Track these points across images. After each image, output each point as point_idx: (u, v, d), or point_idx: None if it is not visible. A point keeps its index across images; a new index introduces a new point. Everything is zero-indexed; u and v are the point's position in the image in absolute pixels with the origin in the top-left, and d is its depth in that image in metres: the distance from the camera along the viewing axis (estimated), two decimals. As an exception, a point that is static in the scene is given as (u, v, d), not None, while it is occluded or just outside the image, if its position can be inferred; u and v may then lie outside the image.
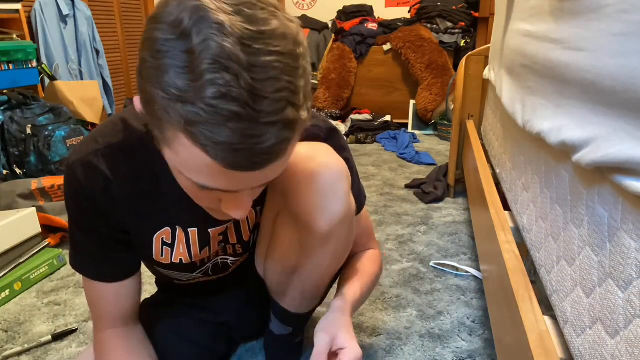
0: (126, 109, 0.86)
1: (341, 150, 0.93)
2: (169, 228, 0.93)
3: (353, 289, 1.01)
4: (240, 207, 0.67)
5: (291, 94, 0.54)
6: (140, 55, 0.56)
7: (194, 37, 0.51)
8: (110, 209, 0.85)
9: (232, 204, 0.67)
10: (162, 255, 0.96)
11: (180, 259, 0.98)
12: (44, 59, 3.37)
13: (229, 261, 1.07)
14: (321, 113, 4.39)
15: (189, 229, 0.94)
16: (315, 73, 4.58)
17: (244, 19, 0.52)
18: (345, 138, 1.00)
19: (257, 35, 0.52)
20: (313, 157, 0.83)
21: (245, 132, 0.52)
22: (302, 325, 1.23)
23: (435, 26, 4.36)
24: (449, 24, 4.34)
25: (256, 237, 1.07)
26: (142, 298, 1.27)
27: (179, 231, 0.94)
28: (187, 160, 0.57)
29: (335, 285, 1.17)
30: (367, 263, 1.10)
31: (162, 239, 0.94)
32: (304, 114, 0.58)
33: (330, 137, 0.93)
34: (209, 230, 0.96)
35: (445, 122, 4.00)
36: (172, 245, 0.95)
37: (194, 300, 1.18)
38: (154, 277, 1.25)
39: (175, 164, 0.61)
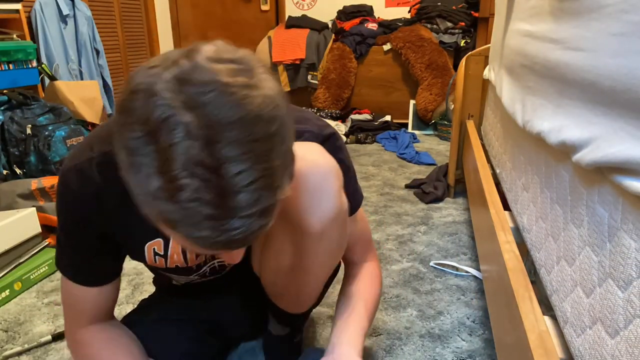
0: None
1: (336, 151, 0.93)
2: (160, 239, 0.93)
3: (355, 334, 0.99)
4: (235, 257, 0.69)
5: (266, 179, 0.54)
6: (113, 138, 0.56)
7: (161, 139, 0.51)
8: (101, 217, 0.85)
9: (227, 256, 0.69)
10: (155, 262, 0.96)
11: (176, 265, 0.98)
12: (44, 59, 3.37)
13: (225, 262, 1.07)
14: (321, 113, 4.40)
15: None
16: (315, 73, 4.58)
17: (208, 112, 0.51)
18: (343, 140, 0.99)
19: (223, 130, 0.51)
20: (303, 157, 0.83)
21: (222, 227, 0.54)
22: (300, 325, 1.22)
23: (435, 26, 4.36)
24: (449, 24, 4.34)
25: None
26: (142, 298, 1.27)
27: (172, 242, 0.94)
28: (174, 238, 0.60)
29: (335, 287, 1.17)
30: (367, 289, 1.07)
31: (154, 249, 0.94)
32: (282, 193, 0.58)
33: (324, 143, 0.93)
34: None
35: (445, 122, 4.00)
36: (164, 256, 0.95)
37: (190, 299, 1.18)
38: (152, 277, 1.25)
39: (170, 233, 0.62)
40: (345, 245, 0.99)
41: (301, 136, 0.89)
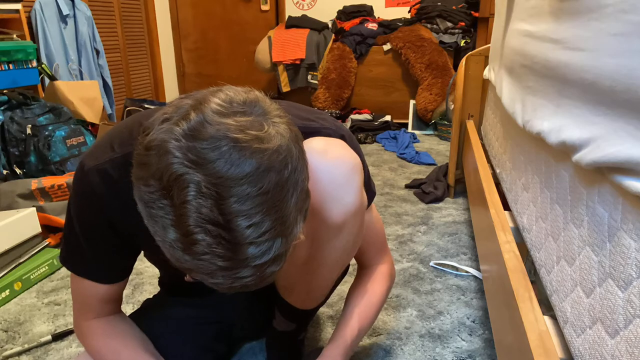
0: (141, 113, 0.87)
1: (354, 145, 0.95)
2: None
3: (351, 329, 1.04)
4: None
5: (278, 229, 0.56)
6: (133, 181, 0.59)
7: (174, 195, 0.53)
8: (122, 218, 0.85)
9: None
10: None
11: None
12: (44, 59, 3.37)
13: None
14: (321, 113, 4.39)
15: None
16: (315, 73, 4.58)
17: (219, 169, 0.52)
18: (357, 140, 1.01)
19: (233, 186, 0.52)
20: (327, 151, 0.84)
21: (234, 276, 0.56)
22: (307, 322, 1.23)
23: (435, 26, 4.36)
24: (449, 24, 4.34)
25: None
26: (142, 298, 1.27)
27: None
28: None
29: (338, 289, 1.17)
30: (376, 288, 1.10)
31: None
32: (295, 237, 0.59)
33: (342, 134, 0.95)
34: None
35: (445, 122, 4.00)
36: None
37: (197, 299, 1.18)
38: (152, 276, 1.25)
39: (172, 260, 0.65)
40: (359, 243, 1.00)
41: (319, 132, 0.91)
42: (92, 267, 0.92)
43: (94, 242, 0.89)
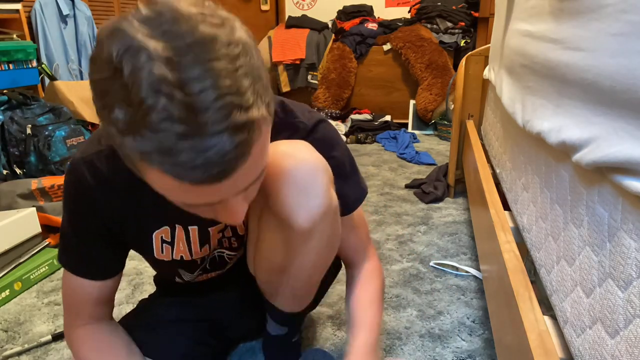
0: None
1: (328, 143, 0.92)
2: (168, 227, 0.93)
3: (365, 331, 1.00)
4: (234, 214, 0.67)
5: (235, 97, 0.53)
6: (92, 98, 0.57)
7: (124, 70, 0.51)
8: (109, 208, 0.86)
9: (225, 212, 0.67)
10: (162, 253, 0.96)
11: (181, 256, 0.98)
12: (44, 59, 3.37)
13: (225, 255, 1.07)
14: (321, 113, 4.39)
15: (189, 227, 0.94)
16: (315, 73, 4.58)
17: (168, 38, 0.52)
18: (338, 131, 0.98)
19: (183, 50, 0.52)
20: (290, 154, 0.83)
21: (196, 147, 0.53)
22: (298, 325, 1.22)
23: (435, 26, 4.36)
24: (449, 24, 4.34)
25: None
26: (142, 298, 1.27)
27: (178, 229, 0.94)
28: (160, 186, 0.59)
29: (335, 287, 1.16)
30: (369, 292, 1.07)
31: (162, 237, 0.94)
32: (256, 113, 0.57)
33: (314, 130, 0.92)
34: (209, 229, 0.96)
35: (445, 122, 4.00)
36: (171, 243, 0.95)
37: (190, 298, 1.19)
38: (152, 276, 1.25)
39: (155, 189, 0.62)
40: (338, 243, 0.98)
41: (292, 128, 0.90)
42: (83, 263, 0.92)
43: (84, 235, 0.89)
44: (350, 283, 1.11)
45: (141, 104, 0.51)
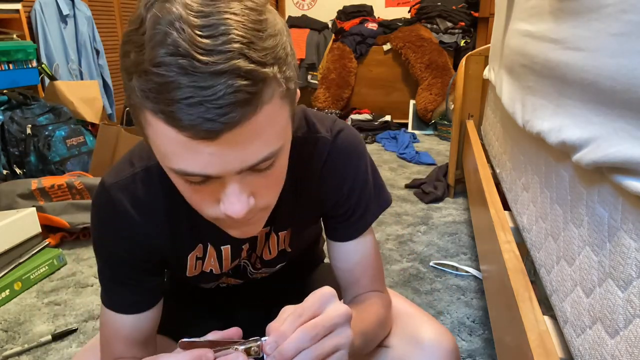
0: None
1: (351, 152, 0.86)
2: (201, 245, 0.90)
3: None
4: (235, 202, 0.64)
5: (245, 47, 0.52)
6: (120, 63, 0.57)
7: (146, 20, 0.52)
8: (147, 232, 0.81)
9: (227, 199, 0.64)
10: (194, 269, 0.94)
11: (211, 269, 0.95)
12: (44, 59, 3.37)
13: (248, 269, 1.03)
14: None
15: (221, 247, 0.91)
16: (315, 73, 4.58)
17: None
18: (359, 137, 0.93)
19: (209, 3, 0.52)
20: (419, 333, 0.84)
21: (195, 83, 0.51)
22: None
23: (435, 26, 4.36)
24: (449, 24, 4.34)
25: (278, 263, 1.03)
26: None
27: (210, 248, 0.91)
28: (159, 143, 0.57)
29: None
30: (370, 309, 0.92)
31: (196, 256, 0.91)
32: (268, 70, 0.55)
33: (334, 141, 0.87)
34: (242, 246, 0.93)
35: (445, 122, 4.00)
36: (202, 259, 0.93)
37: (210, 307, 1.15)
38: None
39: (160, 160, 0.60)
40: None
41: (313, 142, 0.85)
42: (117, 294, 0.85)
43: (118, 263, 0.83)
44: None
45: (152, 38, 0.51)
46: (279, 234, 0.93)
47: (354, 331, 0.68)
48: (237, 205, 0.62)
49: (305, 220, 0.93)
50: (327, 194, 0.86)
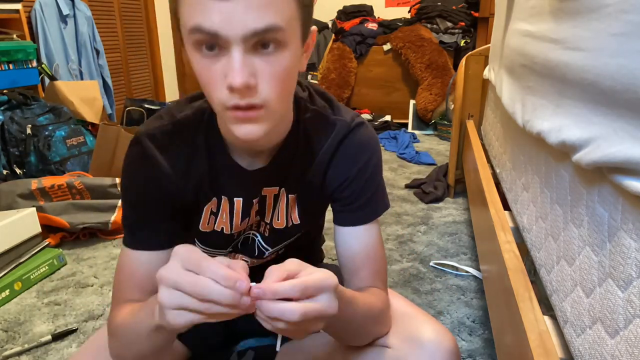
0: (190, 95, 0.92)
1: (365, 147, 0.91)
2: (215, 198, 0.94)
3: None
4: (237, 70, 0.67)
5: None
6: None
7: None
8: (171, 178, 0.87)
9: (230, 69, 0.67)
10: (207, 224, 0.96)
11: (222, 228, 0.97)
12: (44, 59, 3.37)
13: (257, 240, 1.05)
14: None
15: (235, 199, 0.94)
16: (315, 73, 4.58)
17: None
18: (377, 138, 0.97)
19: None
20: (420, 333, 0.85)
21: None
22: None
23: (435, 26, 4.36)
24: (449, 24, 4.34)
25: (286, 239, 1.05)
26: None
27: (224, 201, 0.94)
28: (183, 7, 0.65)
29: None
30: (366, 297, 0.92)
31: (211, 209, 0.94)
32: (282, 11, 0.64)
33: (353, 130, 0.91)
34: (253, 200, 0.95)
35: (445, 122, 4.00)
36: (216, 214, 0.95)
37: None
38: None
39: (184, 35, 0.68)
40: None
41: (333, 124, 0.90)
42: (139, 232, 0.88)
43: (143, 204, 0.88)
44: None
45: None
46: (289, 196, 0.97)
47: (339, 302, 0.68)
48: (238, 75, 0.66)
49: (312, 191, 0.96)
50: (336, 173, 0.91)
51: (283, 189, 0.93)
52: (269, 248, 1.06)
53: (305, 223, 1.02)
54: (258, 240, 1.05)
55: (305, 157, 0.90)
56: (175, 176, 0.88)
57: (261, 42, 0.65)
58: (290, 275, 0.63)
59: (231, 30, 0.63)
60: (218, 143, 0.86)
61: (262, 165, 0.88)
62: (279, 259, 1.10)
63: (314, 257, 1.24)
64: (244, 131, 0.73)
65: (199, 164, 0.88)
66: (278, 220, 1.00)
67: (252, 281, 0.59)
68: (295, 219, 1.00)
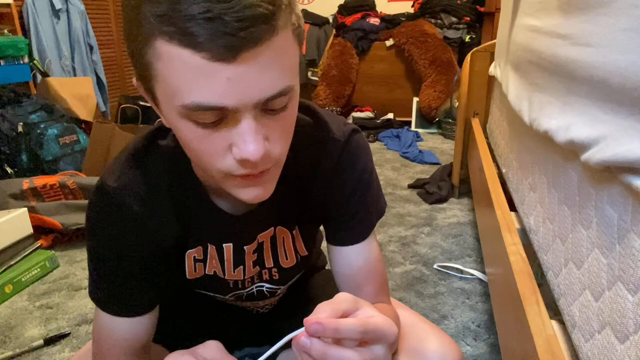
0: (152, 128, 0.84)
1: (362, 153, 0.86)
2: (200, 247, 0.89)
3: None
4: (251, 141, 0.57)
5: None
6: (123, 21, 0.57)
7: None
8: (153, 230, 0.80)
9: (243, 140, 0.57)
10: (195, 271, 0.91)
11: (214, 271, 0.93)
12: (36, 55, 3.36)
13: (264, 289, 1.01)
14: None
15: (223, 245, 0.89)
16: (315, 69, 4.57)
17: None
18: (366, 140, 0.92)
19: None
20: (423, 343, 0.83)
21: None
22: None
23: (439, 21, 4.35)
24: (454, 19, 4.32)
25: (298, 272, 1.01)
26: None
27: (210, 248, 0.89)
28: (172, 75, 0.54)
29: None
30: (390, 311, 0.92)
31: (194, 256, 0.89)
32: (281, 2, 0.54)
33: (347, 143, 0.86)
34: (244, 247, 0.91)
35: (450, 120, 3.99)
36: (204, 261, 0.90)
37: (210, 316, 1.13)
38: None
39: (170, 101, 0.57)
40: None
41: (323, 142, 0.83)
42: (114, 297, 0.82)
43: (118, 263, 0.80)
44: None
45: None
46: (293, 232, 0.91)
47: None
48: (253, 146, 0.57)
49: (311, 218, 0.91)
50: (332, 194, 0.85)
51: (282, 227, 0.88)
52: (280, 287, 1.02)
53: (311, 249, 0.97)
54: (266, 287, 1.00)
55: (300, 188, 0.83)
56: (157, 227, 0.80)
57: (272, 104, 0.57)
58: (346, 314, 0.58)
59: (242, 101, 0.54)
60: (195, 187, 0.78)
61: (249, 208, 0.81)
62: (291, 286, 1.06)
63: (314, 268, 1.20)
64: (252, 195, 0.65)
65: (177, 210, 0.80)
66: (287, 259, 0.95)
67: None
68: (303, 251, 0.94)
